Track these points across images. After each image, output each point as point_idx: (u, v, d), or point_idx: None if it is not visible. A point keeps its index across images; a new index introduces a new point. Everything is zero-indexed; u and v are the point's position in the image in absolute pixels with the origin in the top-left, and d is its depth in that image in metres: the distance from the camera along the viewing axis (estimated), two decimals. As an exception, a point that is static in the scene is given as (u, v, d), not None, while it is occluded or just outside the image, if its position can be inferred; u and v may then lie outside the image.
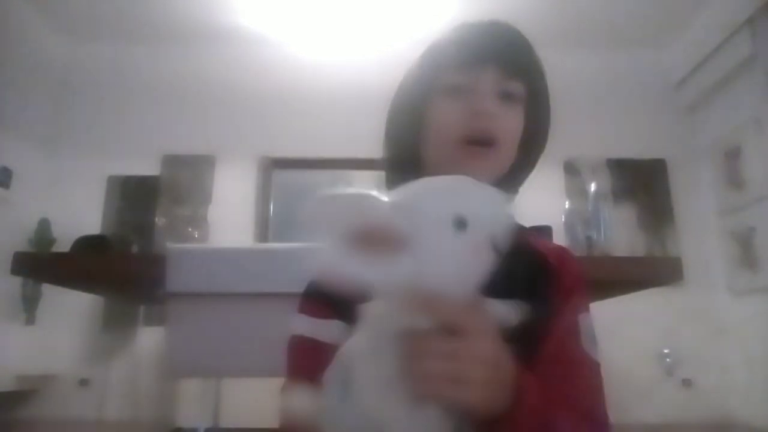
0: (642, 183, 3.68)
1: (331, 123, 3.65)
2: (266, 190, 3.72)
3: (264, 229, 3.63)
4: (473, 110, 0.66)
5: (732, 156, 3.35)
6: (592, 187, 3.67)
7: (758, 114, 3.11)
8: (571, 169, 3.69)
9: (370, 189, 0.44)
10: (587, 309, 0.69)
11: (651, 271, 1.63)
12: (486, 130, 0.67)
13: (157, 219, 3.59)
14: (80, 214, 3.46)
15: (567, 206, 3.63)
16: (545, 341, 0.61)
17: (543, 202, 3.47)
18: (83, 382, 3.23)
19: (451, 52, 0.70)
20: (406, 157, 0.74)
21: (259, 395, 1.99)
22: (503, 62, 0.69)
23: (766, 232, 3.06)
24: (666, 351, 3.33)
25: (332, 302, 0.62)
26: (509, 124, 0.69)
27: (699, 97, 3.63)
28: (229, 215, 3.54)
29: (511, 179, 0.75)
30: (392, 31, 3.63)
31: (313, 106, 3.71)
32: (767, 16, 3.02)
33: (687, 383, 3.30)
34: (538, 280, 0.66)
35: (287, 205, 3.71)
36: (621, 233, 3.58)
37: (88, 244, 1.79)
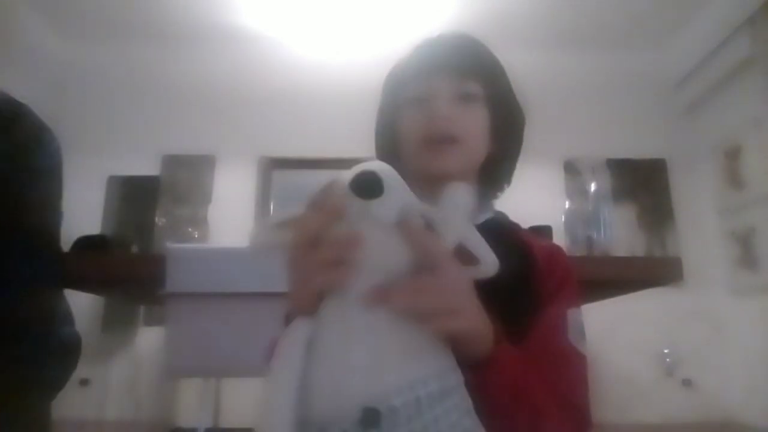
0: (642, 183, 3.68)
1: (331, 123, 3.65)
2: (266, 190, 3.72)
3: (264, 229, 3.63)
4: (430, 116, 0.74)
5: (732, 156, 3.36)
6: (592, 187, 3.67)
7: (758, 114, 3.11)
8: (571, 169, 3.70)
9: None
10: (577, 305, 0.72)
11: (651, 271, 1.63)
12: (444, 131, 0.74)
13: (157, 219, 3.59)
14: (80, 214, 3.45)
15: (567, 206, 3.63)
16: (532, 332, 0.65)
17: (543, 202, 3.47)
18: (83, 382, 3.23)
19: (408, 69, 0.79)
20: (389, 159, 0.79)
21: (259, 395, 1.99)
22: (455, 68, 0.76)
23: (766, 232, 3.06)
24: (666, 351, 3.33)
25: None
26: (468, 121, 0.76)
27: (699, 97, 3.63)
28: (229, 215, 3.54)
29: (492, 171, 0.80)
30: (392, 31, 3.63)
31: (313, 106, 3.71)
32: (767, 16, 3.02)
33: (687, 383, 3.30)
34: (525, 274, 0.70)
35: (287, 205, 3.70)
36: (621, 233, 3.58)
37: (88, 244, 1.79)
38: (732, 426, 3.15)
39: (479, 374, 0.53)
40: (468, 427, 0.47)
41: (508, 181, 0.84)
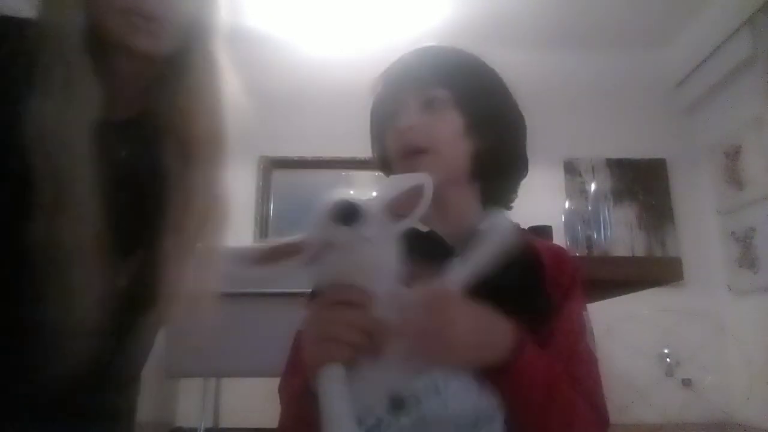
0: (642, 183, 3.68)
1: (331, 123, 3.64)
2: (266, 190, 3.72)
3: (264, 229, 3.63)
4: (398, 129, 0.76)
5: (732, 156, 3.36)
6: (592, 187, 3.67)
7: (758, 114, 3.11)
8: (571, 169, 3.69)
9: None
10: (585, 307, 0.73)
11: (651, 271, 1.63)
12: (411, 143, 0.75)
13: (157, 219, 3.58)
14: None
15: (567, 206, 3.63)
16: (550, 337, 0.65)
17: (543, 202, 3.47)
18: (83, 382, 3.23)
19: (379, 88, 0.83)
20: (383, 166, 0.87)
21: (259, 395, 1.99)
22: (417, 78, 0.77)
23: (766, 232, 3.06)
24: (666, 351, 3.33)
25: None
26: (436, 128, 0.76)
27: (699, 97, 3.63)
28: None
29: (481, 169, 0.79)
30: (393, 31, 3.62)
31: (313, 106, 3.71)
32: (767, 16, 3.02)
33: (687, 383, 3.30)
34: (534, 280, 0.70)
35: (287, 205, 3.71)
36: (621, 233, 3.58)
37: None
38: (732, 426, 3.15)
39: (509, 375, 0.55)
40: (476, 400, 0.55)
41: (513, 187, 0.83)
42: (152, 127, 0.84)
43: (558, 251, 0.77)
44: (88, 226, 0.72)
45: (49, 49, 0.73)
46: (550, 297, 0.68)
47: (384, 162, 0.84)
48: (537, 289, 0.68)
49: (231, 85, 0.92)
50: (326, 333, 0.55)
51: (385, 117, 0.80)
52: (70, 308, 0.70)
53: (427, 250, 0.56)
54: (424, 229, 0.75)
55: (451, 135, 0.77)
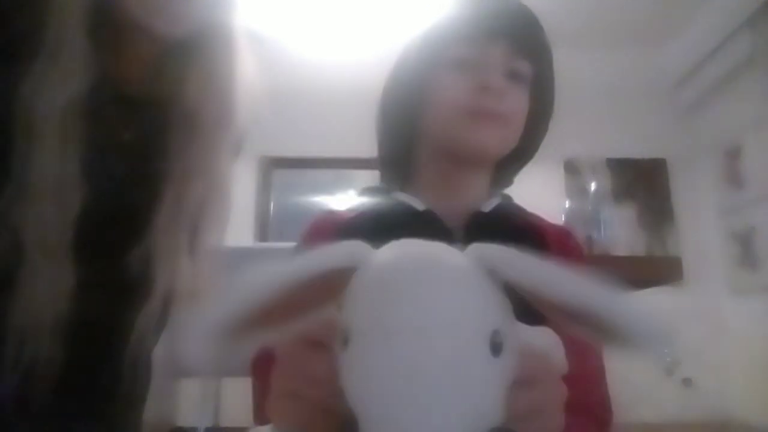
0: (642, 183, 3.68)
1: (331, 123, 3.64)
2: (266, 190, 3.72)
3: (264, 228, 3.63)
4: (481, 85, 0.64)
5: (732, 156, 3.35)
6: (592, 186, 3.66)
7: (758, 114, 3.11)
8: (571, 169, 3.69)
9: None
10: None
11: (651, 271, 1.63)
12: (495, 105, 0.65)
13: (157, 219, 3.58)
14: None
15: (567, 206, 3.63)
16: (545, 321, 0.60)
17: (543, 202, 3.46)
18: (83, 382, 3.23)
19: (460, 25, 0.67)
20: (403, 129, 0.71)
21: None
22: (513, 39, 0.66)
23: (766, 232, 3.06)
24: (666, 351, 3.33)
25: None
26: (516, 103, 0.67)
27: (699, 97, 3.63)
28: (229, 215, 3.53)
29: (507, 166, 0.75)
30: (392, 31, 3.63)
31: (313, 106, 3.71)
32: (767, 16, 3.01)
33: (687, 383, 3.30)
34: (526, 248, 0.64)
35: (287, 205, 3.71)
36: (621, 233, 3.57)
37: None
38: (732, 426, 3.15)
39: None
40: None
41: (512, 181, 0.80)
42: (162, 106, 0.82)
43: (563, 233, 0.73)
44: (55, 217, 0.66)
45: (48, 23, 0.70)
46: None
47: (410, 111, 0.69)
48: None
49: (247, 72, 0.89)
50: (286, 387, 0.37)
51: (455, 61, 0.66)
52: (34, 304, 0.65)
53: (420, 231, 0.38)
54: (419, 206, 0.69)
55: (522, 116, 0.70)
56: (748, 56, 3.13)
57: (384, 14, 3.55)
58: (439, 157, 0.68)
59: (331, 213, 0.77)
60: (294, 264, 0.33)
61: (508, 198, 0.77)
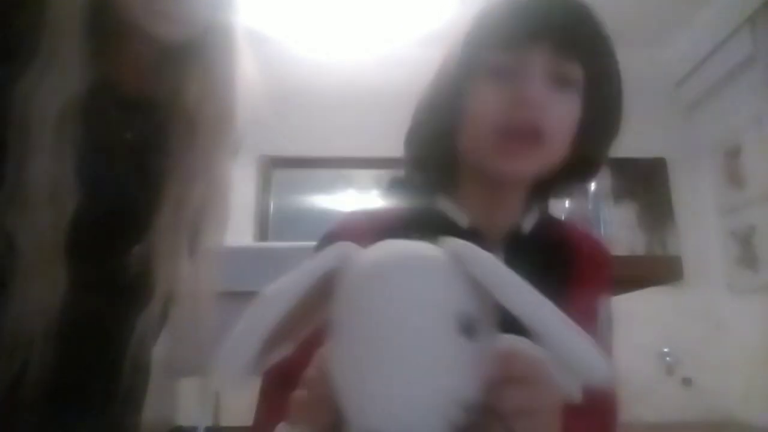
0: (642, 183, 3.68)
1: (330, 123, 3.64)
2: (266, 190, 3.72)
3: (264, 228, 3.63)
4: (517, 97, 0.57)
5: (732, 155, 3.35)
6: (592, 186, 3.66)
7: (758, 114, 3.11)
8: (571, 168, 3.69)
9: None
10: (607, 300, 0.67)
11: (651, 270, 1.63)
12: (531, 122, 0.57)
13: (157, 218, 3.58)
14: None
15: (567, 206, 3.62)
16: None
17: (543, 202, 3.48)
18: (83, 382, 3.23)
19: (496, 28, 0.59)
20: (437, 151, 0.65)
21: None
22: (558, 39, 0.58)
23: (766, 232, 3.06)
24: (666, 350, 3.33)
25: None
26: (560, 114, 0.60)
27: (699, 96, 3.63)
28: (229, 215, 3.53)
29: (554, 183, 0.66)
30: (392, 31, 3.62)
31: (313, 106, 3.70)
32: (767, 15, 3.01)
33: (687, 383, 3.30)
34: (560, 264, 0.62)
35: (287, 205, 3.71)
36: (621, 233, 3.57)
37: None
38: (732, 426, 3.15)
39: None
40: None
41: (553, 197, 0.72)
42: (162, 108, 0.82)
43: (596, 251, 0.69)
44: (50, 220, 0.66)
45: (46, 24, 0.70)
46: (566, 282, 0.59)
47: (445, 125, 0.61)
48: (560, 277, 0.60)
49: (247, 72, 0.89)
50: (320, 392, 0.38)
51: (490, 69, 0.58)
52: (28, 307, 0.65)
53: None
54: (463, 221, 0.63)
55: (569, 127, 0.61)
56: (748, 56, 3.12)
57: (384, 14, 3.54)
58: (476, 178, 0.63)
59: (367, 213, 0.70)
60: (293, 277, 0.37)
61: (546, 213, 0.71)
